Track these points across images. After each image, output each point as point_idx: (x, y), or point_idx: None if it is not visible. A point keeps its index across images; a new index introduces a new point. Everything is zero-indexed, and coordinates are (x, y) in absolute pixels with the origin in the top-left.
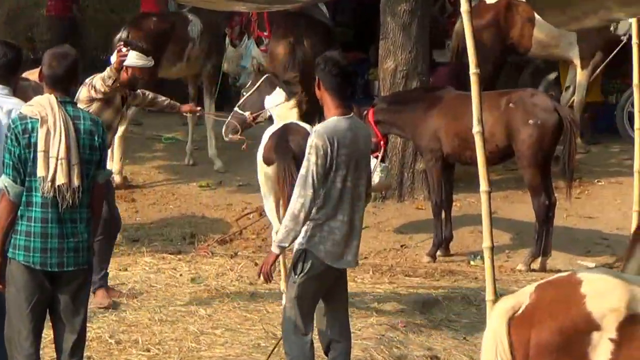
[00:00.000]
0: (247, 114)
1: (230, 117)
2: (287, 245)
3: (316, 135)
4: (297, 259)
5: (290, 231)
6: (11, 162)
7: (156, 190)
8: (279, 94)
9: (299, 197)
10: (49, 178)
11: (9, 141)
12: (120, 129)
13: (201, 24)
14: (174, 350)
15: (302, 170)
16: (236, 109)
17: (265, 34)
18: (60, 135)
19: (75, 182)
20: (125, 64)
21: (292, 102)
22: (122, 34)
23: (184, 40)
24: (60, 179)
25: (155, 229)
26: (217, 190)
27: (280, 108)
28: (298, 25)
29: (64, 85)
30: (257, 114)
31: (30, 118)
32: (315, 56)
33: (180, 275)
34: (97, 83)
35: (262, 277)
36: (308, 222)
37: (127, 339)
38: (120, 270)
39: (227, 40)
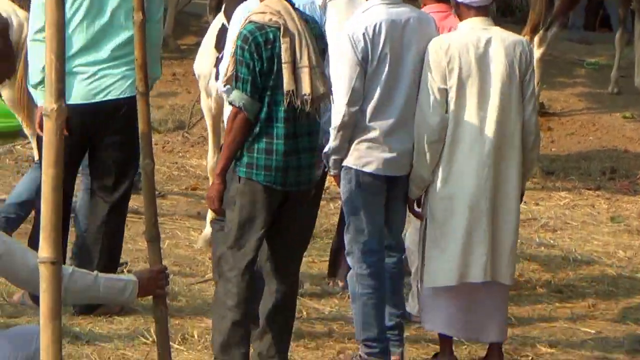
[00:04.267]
0: None
1: None
2: None
3: None
4: None
5: None
6: (250, 78)
7: (575, 119)
8: None
9: None
10: (297, 90)
11: (246, 54)
12: (538, 52)
13: None
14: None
15: None
16: None
17: None
18: (307, 43)
19: (321, 90)
20: None
21: None
22: None
23: None
24: (307, 89)
25: (573, 162)
26: None
27: None
28: None
29: None
30: None
31: (269, 26)
32: None
33: (599, 213)
34: None
35: None
36: None
37: (537, 278)
38: (533, 204)
39: None
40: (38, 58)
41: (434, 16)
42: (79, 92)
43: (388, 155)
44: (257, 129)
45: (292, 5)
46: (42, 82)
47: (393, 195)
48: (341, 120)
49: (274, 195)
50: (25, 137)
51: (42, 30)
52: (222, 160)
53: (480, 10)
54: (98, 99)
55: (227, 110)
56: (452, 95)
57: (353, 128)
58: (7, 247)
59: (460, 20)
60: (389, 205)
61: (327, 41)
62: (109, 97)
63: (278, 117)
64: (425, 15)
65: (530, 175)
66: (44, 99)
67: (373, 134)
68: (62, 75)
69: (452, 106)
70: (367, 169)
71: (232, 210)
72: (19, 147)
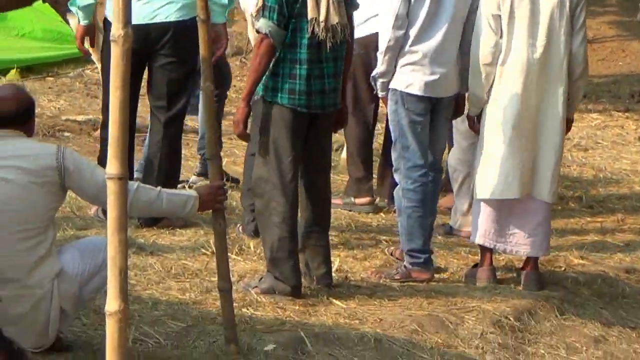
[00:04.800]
0: None
1: None
2: None
3: None
4: None
5: None
6: (276, 6)
7: (606, 46)
8: None
9: None
10: (322, 18)
11: None
12: None
13: None
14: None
15: None
16: None
17: None
18: None
19: (335, 19)
20: None
21: None
22: None
23: None
24: (334, 19)
25: (604, 86)
26: None
27: None
28: None
29: None
30: None
31: None
32: None
33: (627, 133)
34: None
35: None
36: None
37: (569, 194)
38: None
39: None
40: None
41: None
42: None
43: (430, 77)
44: (281, 55)
45: None
46: (88, 6)
47: (436, 116)
48: (387, 44)
49: (300, 118)
50: (94, 62)
51: None
52: (248, 85)
53: None
54: (146, 21)
55: None
56: (504, 21)
57: (398, 52)
58: (77, 165)
59: None
60: (432, 125)
61: None
62: (155, 20)
63: (302, 43)
64: None
65: (577, 103)
66: (85, 20)
67: (416, 57)
68: (129, 2)
69: (504, 32)
70: (411, 90)
71: (264, 134)
72: (88, 71)
